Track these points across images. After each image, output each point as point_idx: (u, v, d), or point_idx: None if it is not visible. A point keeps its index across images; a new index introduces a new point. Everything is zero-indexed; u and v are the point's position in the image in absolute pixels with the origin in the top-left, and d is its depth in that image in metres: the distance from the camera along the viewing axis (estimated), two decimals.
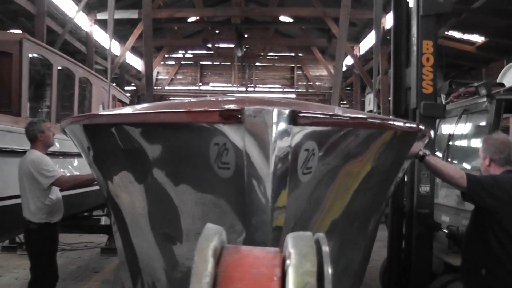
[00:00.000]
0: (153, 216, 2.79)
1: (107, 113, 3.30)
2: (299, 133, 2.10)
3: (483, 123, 6.56)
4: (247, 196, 2.06)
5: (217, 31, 31.66)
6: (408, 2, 6.80)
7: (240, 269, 1.08)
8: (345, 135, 2.40)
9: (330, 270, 1.09)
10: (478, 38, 20.49)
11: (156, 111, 2.76)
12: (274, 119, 2.01)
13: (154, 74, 34.50)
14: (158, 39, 27.64)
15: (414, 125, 3.71)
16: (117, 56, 26.15)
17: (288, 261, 1.14)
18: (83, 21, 21.85)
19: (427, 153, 4.35)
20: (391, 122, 3.04)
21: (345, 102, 30.60)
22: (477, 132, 6.85)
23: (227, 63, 35.43)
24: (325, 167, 2.36)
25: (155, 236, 2.72)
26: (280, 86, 36.60)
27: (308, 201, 2.37)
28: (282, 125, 2.03)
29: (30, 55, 7.14)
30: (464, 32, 20.55)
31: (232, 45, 29.89)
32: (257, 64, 36.41)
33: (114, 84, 20.31)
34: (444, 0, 6.29)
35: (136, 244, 3.20)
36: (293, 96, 34.93)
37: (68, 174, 6.76)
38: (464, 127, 7.07)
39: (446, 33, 19.51)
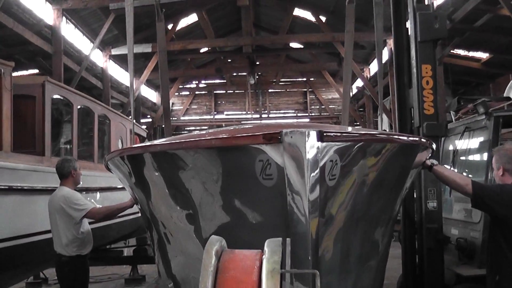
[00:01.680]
0: (205, 227, 3.22)
1: (167, 142, 3.75)
2: (325, 148, 2.71)
3: (483, 139, 6.83)
4: (289, 198, 2.63)
5: (229, 60, 32.24)
6: (407, 28, 7.10)
7: (233, 262, 1.51)
8: (359, 148, 2.98)
9: (289, 262, 1.50)
10: (483, 55, 20.93)
11: (209, 137, 3.31)
12: (307, 138, 2.61)
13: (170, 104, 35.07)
14: (172, 70, 28.15)
15: (417, 138, 4.24)
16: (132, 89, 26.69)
17: (263, 256, 1.70)
18: (98, 57, 22.49)
19: (435, 163, 4.68)
20: (395, 137, 3.63)
21: (358, 123, 30.85)
22: (479, 147, 7.12)
23: (240, 91, 35.95)
24: (346, 174, 2.94)
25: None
26: (293, 111, 36.99)
27: (334, 201, 2.93)
28: (312, 142, 2.63)
29: (52, 97, 7.57)
30: (469, 49, 20.96)
31: (245, 73, 30.42)
32: (270, 90, 36.86)
33: (130, 117, 20.81)
34: (440, 26, 6.60)
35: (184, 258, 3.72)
36: (307, 120, 35.31)
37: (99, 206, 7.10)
38: (467, 143, 7.35)
39: (451, 51, 19.80)
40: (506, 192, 4.30)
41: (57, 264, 5.96)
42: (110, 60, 23.38)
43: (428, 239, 6.33)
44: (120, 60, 24.87)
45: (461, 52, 21.34)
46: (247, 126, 4.04)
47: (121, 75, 26.77)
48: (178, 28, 24.73)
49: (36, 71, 19.89)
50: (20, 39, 16.22)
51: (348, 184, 3.00)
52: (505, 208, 4.22)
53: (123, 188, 9.29)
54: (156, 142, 3.87)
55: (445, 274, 6.29)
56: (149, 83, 29.92)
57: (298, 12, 24.77)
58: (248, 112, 36.00)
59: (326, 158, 2.72)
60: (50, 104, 7.47)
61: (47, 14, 17.59)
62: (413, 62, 6.68)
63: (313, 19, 24.44)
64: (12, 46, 16.79)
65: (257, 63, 30.30)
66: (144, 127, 19.52)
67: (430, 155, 4.58)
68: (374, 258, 3.74)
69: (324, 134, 2.67)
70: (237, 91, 36.40)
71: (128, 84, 27.17)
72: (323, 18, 23.68)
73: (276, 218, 2.67)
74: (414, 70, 6.63)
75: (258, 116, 36.29)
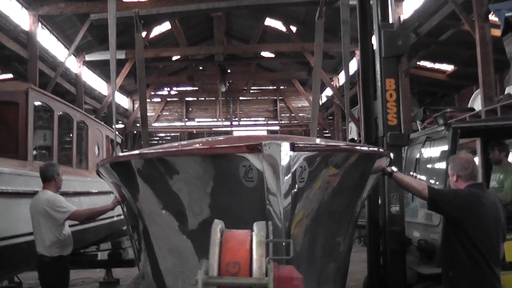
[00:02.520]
0: (194, 223, 3.75)
1: (164, 149, 4.25)
2: (298, 155, 3.29)
3: (443, 148, 7.33)
4: (267, 196, 3.17)
5: (201, 68, 32.60)
6: (372, 44, 7.49)
7: (232, 237, 2.05)
8: (324, 156, 3.59)
9: (271, 237, 1.96)
10: (448, 67, 21.79)
11: (203, 146, 3.96)
12: (281, 148, 3.19)
13: (138, 112, 35.19)
14: (149, 76, 28.44)
15: (375, 149, 4.89)
16: (105, 95, 26.89)
17: (253, 233, 2.18)
18: (72, 63, 22.67)
19: (395, 170, 5.22)
20: (355, 147, 4.33)
21: (327, 131, 31.48)
22: (439, 156, 7.63)
23: (211, 98, 36.31)
24: (313, 177, 3.51)
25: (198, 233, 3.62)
26: (264, 118, 37.52)
27: (302, 199, 3.49)
28: (286, 152, 3.19)
29: (35, 103, 7.84)
30: (434, 61, 21.79)
31: (216, 81, 30.80)
32: (241, 98, 37.31)
33: (103, 122, 21.00)
34: (403, 43, 6.98)
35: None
36: (277, 128, 35.86)
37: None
38: (429, 152, 7.85)
39: (418, 63, 20.54)
40: (459, 196, 4.80)
41: (39, 265, 6.24)
42: (84, 66, 23.60)
43: (391, 241, 6.69)
44: (93, 66, 25.07)
45: (427, 64, 22.14)
46: (232, 137, 4.50)
47: (94, 81, 26.93)
48: (151, 35, 25.00)
49: (10, 75, 19.97)
50: None
51: (315, 185, 3.59)
52: (457, 211, 4.71)
53: (99, 193, 9.63)
54: (151, 150, 4.24)
55: (407, 273, 6.67)
56: (122, 89, 30.11)
57: (269, 22, 25.34)
58: (219, 120, 36.40)
59: (296, 165, 3.30)
60: (33, 111, 7.75)
61: (23, 19, 17.75)
62: (378, 76, 7.06)
63: (283, 29, 25.03)
64: None
65: (229, 71, 30.70)
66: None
67: (388, 163, 5.07)
68: (336, 246, 4.21)
69: (295, 145, 3.25)
70: (208, 99, 36.80)
71: (100, 90, 27.43)
72: (293, 28, 24.32)
73: (256, 212, 3.15)
74: (379, 83, 7.01)
75: (229, 123, 36.74)
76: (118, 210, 10.08)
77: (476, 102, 14.55)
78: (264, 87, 37.39)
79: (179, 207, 3.83)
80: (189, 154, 3.75)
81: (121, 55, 21.78)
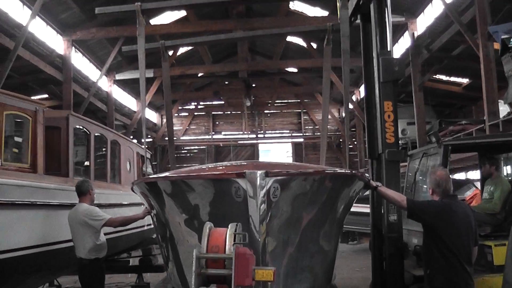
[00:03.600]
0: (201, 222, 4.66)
1: (181, 174, 5.42)
2: (270, 179, 4.33)
3: (436, 163, 8.12)
4: (250, 207, 4.26)
5: (226, 82, 33.61)
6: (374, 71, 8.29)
7: (215, 232, 3.11)
8: (289, 179, 4.64)
9: (240, 229, 3.11)
10: (463, 80, 22.28)
11: (208, 173, 5.15)
12: (259, 175, 4.26)
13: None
14: (172, 92, 29.35)
15: (348, 171, 6.07)
16: (134, 111, 28.09)
17: (227, 229, 3.20)
18: (103, 82, 23.91)
19: (379, 185, 6.20)
20: (312, 172, 5.26)
21: (349, 144, 32.17)
22: (442, 169, 8.41)
23: (237, 112, 37.49)
24: (283, 195, 4.52)
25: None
26: (288, 131, 38.51)
27: (276, 211, 4.52)
28: (262, 177, 4.26)
29: (74, 127, 8.87)
30: (450, 75, 22.35)
31: (242, 95, 31.78)
32: (266, 111, 38.36)
33: (131, 137, 22.12)
34: (399, 69, 7.68)
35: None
36: (301, 140, 36.72)
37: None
38: (425, 166, 8.66)
39: (434, 76, 21.22)
40: (432, 206, 5.64)
41: (79, 266, 7.22)
42: (114, 85, 24.87)
43: (390, 246, 7.39)
44: (123, 84, 26.29)
45: (443, 77, 22.76)
46: (229, 166, 5.51)
47: (124, 98, 28.16)
48: (178, 53, 26.11)
49: (45, 96, 21.32)
50: (33, 68, 17.68)
51: (284, 199, 4.61)
52: (431, 218, 5.54)
53: (130, 204, 10.59)
54: (172, 174, 5.43)
55: (404, 275, 7.38)
56: (150, 105, 31.29)
57: (290, 38, 26.21)
58: (245, 132, 37.48)
59: (269, 185, 4.36)
60: (72, 134, 8.78)
61: (58, 44, 19.04)
62: (377, 99, 7.79)
63: (304, 44, 25.89)
64: (25, 74, 18.20)
65: (253, 85, 31.61)
66: (143, 146, 20.82)
67: (368, 179, 6.17)
68: (308, 244, 5.09)
69: (269, 172, 4.36)
70: (234, 112, 37.96)
71: (130, 107, 28.65)
72: (314, 45, 25.11)
73: (242, 217, 4.23)
74: (378, 106, 7.74)
75: (254, 136, 37.82)
76: (148, 220, 11.17)
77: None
78: (288, 101, 38.37)
79: (191, 215, 5.00)
80: (199, 178, 4.98)
81: (150, 73, 22.81)
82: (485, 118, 13.53)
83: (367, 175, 6.50)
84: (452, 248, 5.40)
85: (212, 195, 4.71)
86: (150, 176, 6.34)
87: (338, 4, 8.75)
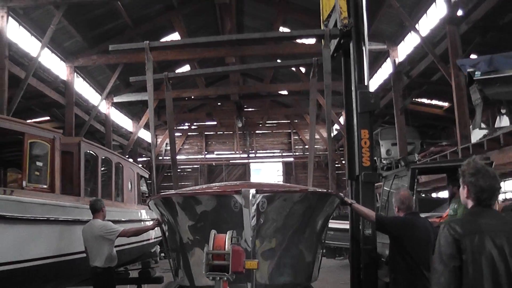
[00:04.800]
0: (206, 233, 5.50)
1: (190, 191, 6.58)
2: (259, 195, 5.35)
3: (405, 183, 9.17)
4: (244, 216, 5.25)
5: (219, 103, 34.68)
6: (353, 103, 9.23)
7: (218, 236, 4.13)
8: (273, 195, 5.69)
9: (235, 235, 4.27)
10: (444, 103, 23.39)
11: (212, 190, 6.34)
12: (251, 192, 5.28)
13: (163, 145, 37.37)
14: (166, 114, 30.51)
15: (324, 190, 7.01)
16: (131, 132, 29.09)
17: (227, 234, 4.31)
18: (102, 104, 24.81)
19: (353, 202, 7.30)
20: (290, 189, 6.54)
21: (337, 162, 33.21)
22: (405, 189, 9.44)
23: (229, 132, 38.59)
24: (269, 207, 5.55)
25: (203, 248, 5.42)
26: (279, 150, 39.59)
27: (263, 219, 5.53)
28: (253, 193, 5.28)
29: (85, 152, 9.88)
30: (431, 98, 23.52)
31: (233, 117, 32.86)
32: (257, 131, 39.47)
33: (127, 156, 23.05)
34: (374, 101, 8.54)
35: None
36: (291, 159, 37.82)
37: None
38: (396, 186, 9.71)
39: (417, 99, 22.36)
40: (397, 221, 6.68)
41: (93, 274, 8.09)
42: (112, 107, 25.88)
43: (365, 257, 8.17)
44: (120, 106, 27.30)
45: (425, 100, 23.95)
46: (228, 185, 6.56)
47: (121, 120, 29.16)
48: (172, 77, 27.08)
49: (47, 118, 22.32)
50: (38, 93, 18.72)
51: (271, 210, 5.64)
52: (396, 230, 6.55)
53: (130, 221, 11.52)
54: (182, 191, 6.59)
55: (378, 283, 8.12)
56: (146, 126, 32.23)
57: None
58: (237, 152, 38.60)
59: (259, 199, 5.40)
60: (83, 158, 9.79)
61: (61, 70, 20.13)
62: (355, 127, 8.62)
63: (293, 69, 27.06)
64: (29, 99, 19.12)
65: (245, 106, 32.67)
66: (140, 165, 21.78)
67: (344, 196, 7.28)
68: (290, 247, 6.16)
69: (259, 189, 5.41)
70: (226, 132, 39.09)
71: (127, 127, 29.60)
72: (302, 69, 26.26)
73: (239, 223, 5.27)
74: (355, 133, 8.60)
75: (245, 155, 38.86)
76: (147, 235, 12.11)
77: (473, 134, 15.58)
78: (278, 121, 39.52)
79: (197, 223, 6.09)
80: (206, 194, 6.13)
81: (146, 96, 23.67)
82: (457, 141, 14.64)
83: (341, 194, 7.50)
84: (414, 256, 6.38)
85: (216, 207, 5.78)
86: (167, 193, 7.32)
87: (322, 43, 9.65)
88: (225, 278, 4.29)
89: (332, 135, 35.36)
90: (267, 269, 5.84)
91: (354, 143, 8.85)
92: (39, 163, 8.59)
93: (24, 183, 8.06)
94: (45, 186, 8.51)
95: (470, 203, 3.55)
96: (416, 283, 6.42)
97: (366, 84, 8.84)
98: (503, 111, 12.76)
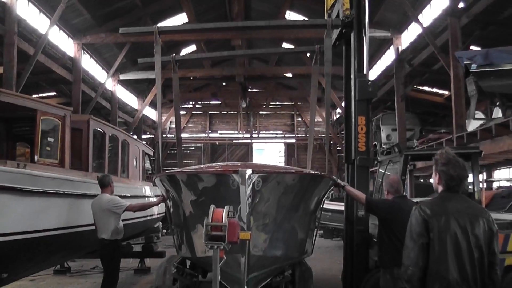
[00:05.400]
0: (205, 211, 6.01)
1: (193, 170, 7.14)
2: (255, 175, 5.77)
3: (398, 169, 9.58)
4: (241, 192, 5.69)
5: (224, 83, 34.96)
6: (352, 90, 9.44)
7: (217, 210, 4.57)
8: (270, 176, 6.11)
9: (231, 209, 4.79)
10: (445, 91, 23.66)
11: (213, 169, 6.67)
12: (248, 172, 5.68)
13: (168, 123, 37.77)
14: (171, 92, 30.86)
15: (317, 173, 7.38)
16: (136, 109, 29.47)
17: (224, 209, 4.76)
18: (108, 82, 25.22)
19: (346, 184, 7.77)
20: (284, 171, 6.96)
21: (338, 145, 33.55)
22: (395, 173, 9.88)
23: (233, 112, 38.94)
24: (264, 186, 5.96)
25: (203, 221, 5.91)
26: (281, 132, 40.00)
27: (258, 196, 5.96)
28: (249, 173, 5.69)
29: (93, 129, 10.29)
30: (432, 86, 23.79)
31: (238, 97, 33.17)
32: (261, 112, 39.85)
33: (131, 133, 23.45)
34: (372, 89, 8.99)
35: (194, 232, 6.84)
36: (294, 141, 38.33)
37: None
38: (390, 170, 10.14)
39: (419, 87, 22.66)
40: (386, 203, 7.09)
41: (101, 246, 8.57)
42: (118, 84, 26.27)
43: (358, 237, 8.77)
44: (126, 84, 27.66)
45: (427, 88, 24.24)
46: (228, 165, 6.96)
47: (127, 97, 29.53)
48: (179, 59, 27.37)
49: (54, 93, 22.72)
50: (45, 69, 19.06)
51: (266, 188, 6.08)
52: (384, 212, 6.95)
53: (135, 196, 11.95)
54: (187, 169, 7.20)
55: (369, 261, 8.68)
56: (151, 103, 32.52)
57: (286, 45, 27.65)
58: (240, 132, 39.07)
59: (255, 178, 5.83)
60: (92, 135, 10.21)
61: (68, 47, 20.47)
62: (353, 114, 9.09)
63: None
64: (37, 74, 19.42)
65: (249, 87, 32.92)
66: (144, 142, 22.13)
67: (337, 178, 7.71)
68: (283, 220, 6.66)
69: (254, 169, 5.83)
70: (230, 112, 39.42)
71: (132, 105, 29.98)
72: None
73: (236, 199, 5.72)
74: (353, 119, 9.06)
75: (249, 136, 39.32)
76: (151, 211, 12.55)
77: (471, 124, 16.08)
78: (282, 103, 39.88)
79: (199, 199, 6.56)
80: (206, 173, 6.59)
81: (152, 75, 24.13)
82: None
83: (333, 177, 7.95)
84: (398, 236, 6.73)
85: (216, 185, 6.21)
86: (172, 171, 7.75)
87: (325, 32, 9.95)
88: (222, 247, 4.75)
89: (335, 118, 35.93)
90: (261, 243, 6.26)
91: (351, 129, 9.28)
92: (50, 139, 8.97)
93: (36, 158, 8.47)
94: (55, 161, 8.90)
95: (440, 188, 4.00)
96: (400, 261, 6.88)
97: (365, 73, 9.24)
98: (496, 103, 13.16)
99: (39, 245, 7.85)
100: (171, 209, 8.13)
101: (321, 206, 8.50)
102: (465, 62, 11.84)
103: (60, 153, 9.04)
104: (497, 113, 13.74)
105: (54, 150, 9.01)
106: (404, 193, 7.48)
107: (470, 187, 9.48)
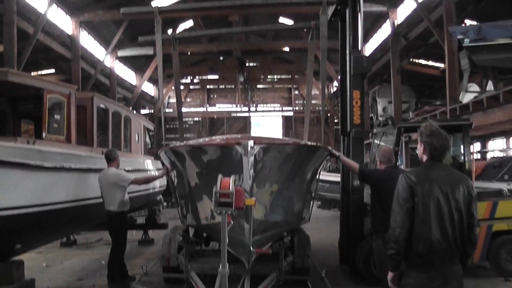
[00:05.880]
0: (211, 178, 6.22)
1: (197, 143, 7.42)
2: (256, 146, 6.10)
3: (392, 140, 9.89)
4: (244, 162, 6.00)
5: (221, 58, 35.12)
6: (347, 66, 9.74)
7: (224, 179, 4.94)
8: (270, 147, 6.46)
9: (237, 178, 5.20)
10: (441, 64, 23.90)
11: (217, 142, 6.91)
12: (249, 143, 5.99)
13: (166, 98, 38.00)
14: (169, 68, 31.07)
15: (313, 144, 7.77)
16: (134, 85, 29.72)
17: (231, 178, 5.09)
18: (106, 58, 25.39)
19: (341, 154, 8.15)
20: (283, 142, 7.32)
21: (336, 118, 33.86)
22: (389, 145, 10.19)
23: (231, 86, 39.21)
24: (265, 156, 6.30)
25: (208, 190, 6.16)
26: (279, 105, 40.30)
27: (260, 166, 6.31)
28: (251, 144, 6.00)
29: (97, 106, 10.61)
30: (428, 59, 24.04)
31: (236, 71, 33.38)
32: (258, 86, 40.10)
33: (131, 108, 23.71)
34: (366, 64, 9.34)
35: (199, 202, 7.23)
36: (291, 114, 38.61)
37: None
38: (385, 142, 10.50)
39: (415, 60, 22.89)
40: (377, 173, 7.47)
41: (108, 218, 8.94)
42: (116, 61, 26.48)
43: (353, 205, 9.21)
44: (124, 60, 27.85)
45: (423, 61, 24.48)
46: (231, 138, 7.30)
47: (125, 73, 29.74)
48: (177, 32, 27.59)
49: (53, 71, 22.95)
50: (44, 46, 19.28)
51: (267, 158, 6.42)
52: (375, 181, 7.31)
53: (138, 170, 12.29)
54: (191, 142, 7.52)
55: (364, 229, 9.12)
56: (150, 79, 32.75)
57: (282, 20, 27.79)
58: (238, 106, 39.37)
59: (256, 149, 6.15)
60: (96, 111, 10.54)
61: (66, 24, 20.65)
62: (348, 88, 9.45)
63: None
64: (36, 52, 19.39)
65: (247, 61, 33.09)
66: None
67: (332, 149, 8.05)
68: (283, 187, 7.04)
69: (255, 141, 6.13)
70: (228, 86, 39.69)
71: (130, 81, 30.21)
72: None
73: (239, 169, 6.04)
74: (348, 93, 9.42)
75: (247, 109, 39.60)
76: (153, 184, 12.91)
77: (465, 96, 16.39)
78: (279, 76, 40.08)
79: (204, 170, 6.93)
80: (210, 145, 6.86)
81: (150, 51, 24.41)
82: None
83: (329, 147, 8.27)
84: (389, 203, 7.11)
85: (220, 156, 6.55)
86: (180, 144, 8.03)
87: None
88: (229, 212, 5.12)
89: (332, 91, 36.16)
90: (262, 208, 6.66)
91: (346, 103, 9.65)
92: (57, 116, 9.28)
93: (44, 134, 8.77)
94: (62, 137, 9.25)
95: (425, 158, 4.36)
96: (387, 225, 7.30)
97: (360, 48, 9.60)
98: (489, 76, 13.50)
99: (49, 217, 8.17)
100: (176, 181, 8.49)
101: (317, 176, 8.85)
102: (458, 37, 12.15)
103: (66, 129, 9.38)
104: (491, 86, 14.07)
105: (60, 127, 9.33)
106: (398, 164, 7.84)
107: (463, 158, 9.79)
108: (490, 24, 12.23)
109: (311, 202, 8.86)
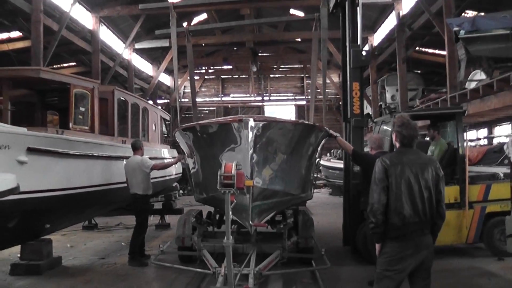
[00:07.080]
0: (218, 154, 7.13)
1: (205, 123, 7.96)
2: (256, 122, 6.74)
3: (390, 129, 10.52)
4: (244, 139, 6.69)
5: (235, 48, 35.78)
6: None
7: (227, 164, 5.67)
8: (269, 124, 7.08)
9: (238, 163, 5.89)
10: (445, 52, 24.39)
11: (223, 120, 7.54)
12: (251, 121, 6.66)
13: (182, 88, 38.82)
14: (184, 58, 31.88)
15: (310, 123, 8.54)
16: (151, 76, 30.58)
17: (233, 162, 5.84)
18: (124, 51, 26.29)
19: (338, 135, 8.71)
20: (281, 120, 7.92)
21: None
22: (386, 133, 10.80)
23: (245, 76, 39.92)
24: (265, 131, 6.93)
25: (215, 165, 6.76)
26: (292, 94, 40.95)
27: (259, 141, 6.91)
28: (252, 122, 6.66)
29: (118, 98, 11.44)
30: (434, 48, 24.55)
31: (249, 61, 34.10)
32: (271, 75, 40.76)
33: (147, 98, 24.56)
34: (365, 58, 9.92)
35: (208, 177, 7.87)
36: (304, 102, 39.35)
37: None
38: (383, 131, 11.15)
39: (421, 49, 23.40)
40: (368, 156, 8.13)
41: (133, 200, 9.87)
42: (134, 53, 27.37)
43: (353, 190, 9.79)
44: (141, 52, 28.70)
45: (429, 50, 25.00)
46: (233, 116, 7.97)
47: (142, 65, 30.63)
48: (191, 25, 28.32)
49: (74, 63, 23.90)
50: (66, 41, 20.22)
51: (265, 134, 6.94)
52: (366, 164, 7.97)
53: (155, 158, 13.05)
54: (200, 123, 8.02)
55: (363, 212, 9.31)
56: (166, 70, 33.38)
57: (294, 11, 28.32)
58: (252, 95, 39.99)
59: (256, 126, 6.70)
60: (116, 104, 11.36)
61: (87, 19, 21.57)
62: (348, 80, 10.02)
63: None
64: (58, 46, 20.25)
65: (259, 51, 33.66)
66: (160, 107, 23.13)
67: (325, 132, 8.63)
68: (283, 162, 7.57)
69: (255, 118, 6.66)
70: (242, 76, 40.44)
71: (147, 72, 31.06)
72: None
73: (241, 147, 6.74)
74: (348, 85, 10.00)
75: (260, 98, 40.32)
76: (169, 171, 13.67)
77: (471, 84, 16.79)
78: (292, 66, 40.54)
79: (212, 146, 7.50)
80: (217, 123, 7.52)
81: (165, 43, 25.07)
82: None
83: (326, 128, 8.82)
84: None
85: (225, 132, 7.02)
86: (188, 124, 8.58)
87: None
88: (232, 192, 5.82)
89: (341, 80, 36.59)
90: (263, 177, 7.19)
91: (347, 93, 10.24)
92: (82, 108, 10.12)
93: (70, 125, 9.68)
94: (86, 128, 10.12)
95: (397, 145, 5.09)
96: None
97: (358, 42, 10.09)
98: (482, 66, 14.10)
99: (75, 200, 8.89)
100: (188, 160, 9.21)
101: (317, 156, 9.37)
102: (454, 29, 12.76)
103: (90, 120, 10.24)
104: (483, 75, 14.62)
105: (85, 118, 10.17)
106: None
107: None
108: (484, 16, 12.86)
109: (312, 182, 9.44)
